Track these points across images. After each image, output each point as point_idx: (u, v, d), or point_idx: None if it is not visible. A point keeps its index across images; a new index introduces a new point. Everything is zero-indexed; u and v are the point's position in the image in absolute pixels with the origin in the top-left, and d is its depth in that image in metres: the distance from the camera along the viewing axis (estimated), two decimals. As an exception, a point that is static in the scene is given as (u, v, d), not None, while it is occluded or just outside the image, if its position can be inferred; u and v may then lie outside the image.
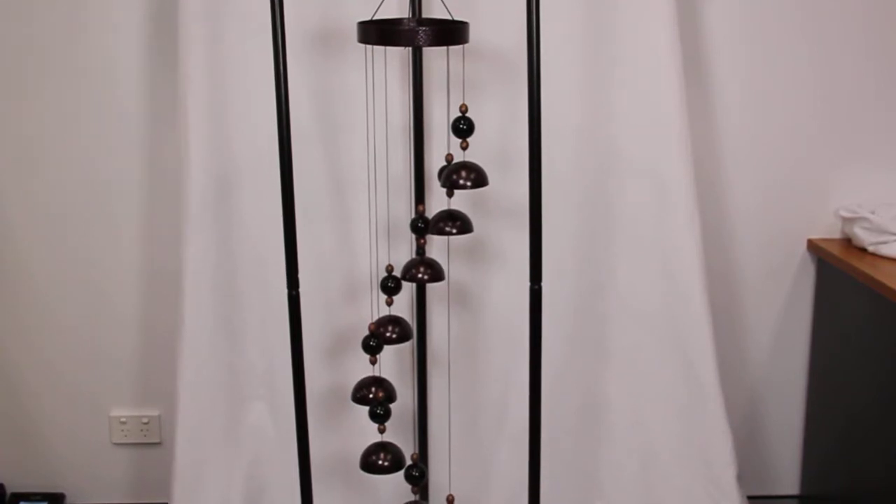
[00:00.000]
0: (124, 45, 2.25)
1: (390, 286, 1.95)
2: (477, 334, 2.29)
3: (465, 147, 1.79)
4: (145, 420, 2.47)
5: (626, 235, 2.23)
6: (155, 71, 2.26)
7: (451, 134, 1.80)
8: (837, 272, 2.26)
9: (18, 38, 2.24)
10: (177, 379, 2.24)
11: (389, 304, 1.95)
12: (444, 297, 2.18)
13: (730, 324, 2.42)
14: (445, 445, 2.24)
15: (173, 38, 2.12)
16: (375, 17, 1.79)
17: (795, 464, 2.54)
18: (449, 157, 1.80)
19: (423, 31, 1.68)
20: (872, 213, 2.24)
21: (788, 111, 2.32)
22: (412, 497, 2.05)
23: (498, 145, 2.15)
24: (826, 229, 2.38)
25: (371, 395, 1.89)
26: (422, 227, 1.91)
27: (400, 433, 2.24)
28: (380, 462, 1.90)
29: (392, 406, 1.93)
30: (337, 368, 2.26)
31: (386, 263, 1.96)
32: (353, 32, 1.75)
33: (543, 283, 1.80)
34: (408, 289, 2.15)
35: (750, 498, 2.35)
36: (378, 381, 1.91)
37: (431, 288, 2.19)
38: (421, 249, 1.91)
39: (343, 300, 2.24)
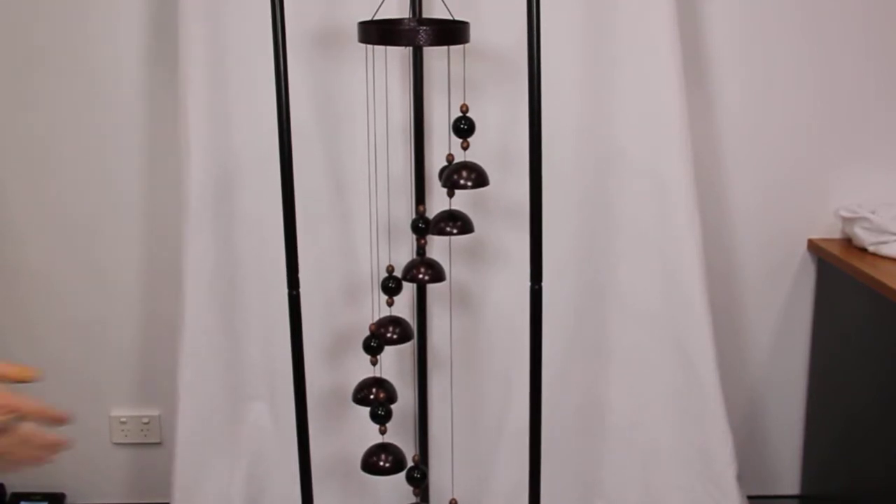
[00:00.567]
0: (125, 44, 2.24)
1: (391, 286, 1.95)
2: (477, 334, 2.29)
3: (465, 147, 1.79)
4: (145, 420, 2.47)
5: (626, 235, 2.23)
6: (155, 71, 2.26)
7: (452, 134, 1.80)
8: (838, 272, 2.26)
9: (19, 38, 2.24)
10: (177, 379, 2.24)
11: (390, 304, 1.95)
12: (444, 297, 2.18)
13: (730, 324, 2.42)
14: (446, 446, 2.24)
15: (173, 38, 2.12)
16: (376, 17, 1.79)
17: (796, 464, 2.54)
18: (450, 158, 1.80)
19: (424, 30, 1.68)
20: (873, 212, 2.24)
21: (788, 111, 2.32)
22: (413, 498, 2.05)
23: (498, 145, 2.15)
24: (826, 229, 2.38)
25: (372, 396, 1.89)
26: (422, 227, 1.91)
27: (401, 434, 2.24)
28: (381, 463, 1.90)
29: (392, 407, 1.93)
30: (337, 369, 2.26)
31: (386, 264, 1.96)
32: (354, 32, 1.74)
33: (544, 283, 1.80)
34: (408, 289, 2.15)
35: (750, 498, 2.35)
36: (379, 382, 1.91)
37: (432, 288, 2.19)
38: (421, 250, 1.91)
39: (343, 300, 2.24)
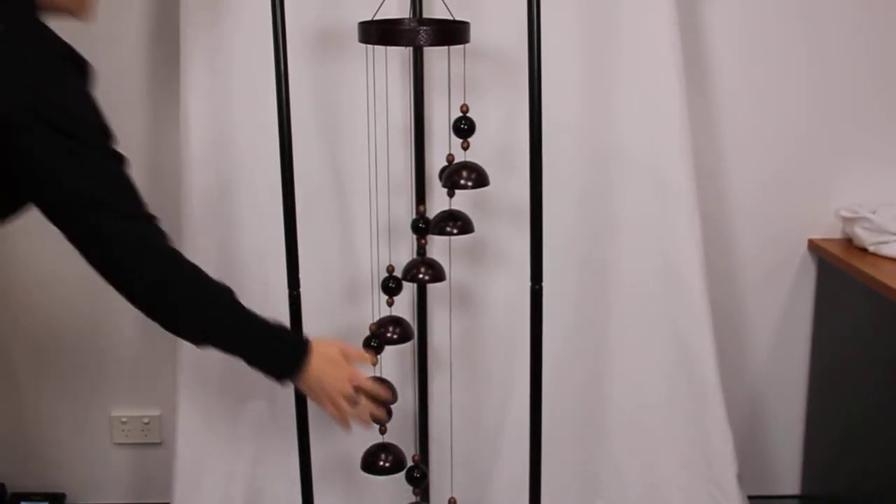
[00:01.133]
0: (125, 44, 2.24)
1: (391, 286, 1.95)
2: (477, 334, 2.29)
3: (466, 147, 1.79)
4: (146, 420, 2.47)
5: (626, 235, 2.23)
6: (155, 71, 2.26)
7: (453, 134, 1.80)
8: (838, 272, 2.26)
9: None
10: (177, 379, 2.24)
11: (390, 304, 1.95)
12: (444, 297, 2.18)
13: (730, 323, 2.42)
14: (446, 445, 2.24)
15: (174, 38, 2.12)
16: (376, 18, 1.79)
17: (796, 463, 2.54)
18: (450, 158, 1.79)
19: (424, 30, 1.68)
20: (873, 213, 2.24)
21: (789, 111, 2.32)
22: (413, 498, 2.05)
23: (499, 145, 2.15)
24: (827, 229, 2.38)
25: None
26: (423, 227, 1.91)
27: (401, 434, 2.24)
28: (381, 463, 1.89)
29: (393, 407, 1.93)
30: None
31: (387, 264, 1.96)
32: (354, 32, 1.74)
33: (544, 283, 1.80)
34: (409, 289, 2.15)
35: (750, 498, 2.35)
36: (379, 382, 1.91)
37: (432, 288, 2.19)
38: (422, 250, 1.91)
39: (344, 300, 2.24)
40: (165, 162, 2.28)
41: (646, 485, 2.31)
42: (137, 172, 2.31)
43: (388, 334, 1.91)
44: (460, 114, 1.78)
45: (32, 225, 2.35)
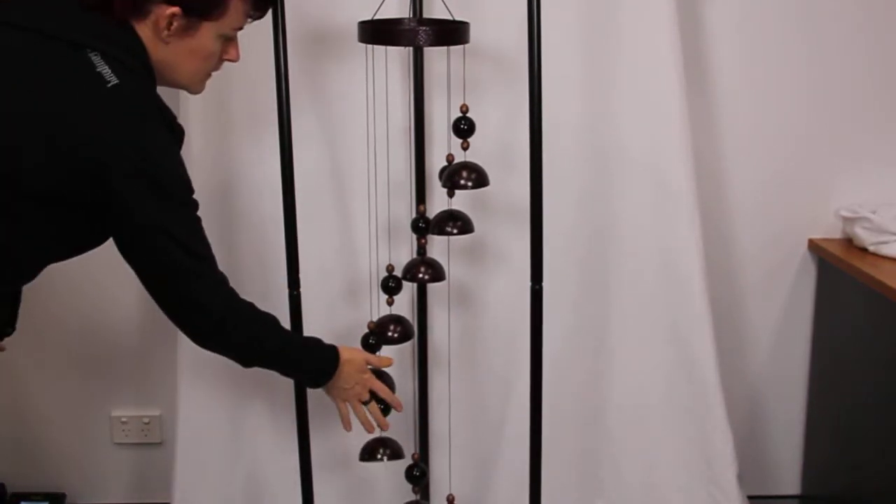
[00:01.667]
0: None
1: (391, 286, 1.95)
2: (478, 334, 2.29)
3: (465, 147, 1.79)
4: (146, 420, 2.47)
5: (626, 235, 2.23)
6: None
7: (452, 134, 1.80)
8: (838, 272, 2.26)
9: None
10: (178, 378, 2.24)
11: (390, 303, 1.95)
12: (444, 296, 2.18)
13: (731, 323, 2.42)
14: (446, 445, 2.24)
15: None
16: (376, 18, 1.79)
17: (796, 463, 2.54)
18: (450, 158, 1.80)
19: (424, 30, 1.68)
20: (873, 212, 2.24)
21: (789, 111, 2.32)
22: (413, 496, 2.05)
23: (499, 145, 2.15)
24: (827, 229, 2.38)
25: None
26: (423, 227, 1.91)
27: (402, 433, 2.24)
28: (379, 455, 1.90)
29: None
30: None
31: (386, 263, 1.96)
32: (354, 32, 1.74)
33: (544, 283, 1.80)
34: (409, 289, 2.15)
35: (750, 498, 2.35)
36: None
37: (432, 288, 2.19)
38: (422, 249, 1.92)
39: (344, 300, 2.24)
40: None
41: (646, 485, 2.31)
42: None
43: (389, 333, 1.91)
44: (460, 114, 1.78)
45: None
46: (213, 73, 1.61)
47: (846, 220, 2.30)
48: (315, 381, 1.75)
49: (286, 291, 1.85)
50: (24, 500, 2.45)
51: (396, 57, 2.09)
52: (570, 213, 2.21)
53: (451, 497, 2.07)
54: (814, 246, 2.38)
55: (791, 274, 2.42)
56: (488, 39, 2.07)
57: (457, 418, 2.26)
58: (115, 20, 1.43)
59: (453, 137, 1.80)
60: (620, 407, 2.30)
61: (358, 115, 2.04)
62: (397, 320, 1.93)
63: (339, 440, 2.27)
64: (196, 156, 2.14)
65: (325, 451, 2.24)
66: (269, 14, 1.72)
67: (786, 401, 2.50)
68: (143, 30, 1.45)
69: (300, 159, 1.86)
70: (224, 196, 2.19)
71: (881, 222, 2.21)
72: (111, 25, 1.42)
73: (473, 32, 1.75)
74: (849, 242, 2.32)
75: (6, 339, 1.71)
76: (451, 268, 1.97)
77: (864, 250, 2.25)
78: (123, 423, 2.47)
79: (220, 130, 2.15)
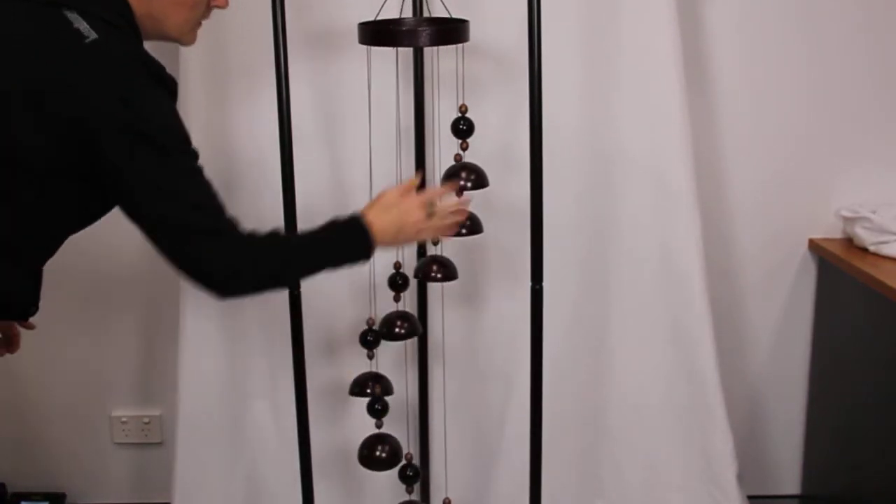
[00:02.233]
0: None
1: (398, 283, 1.95)
2: (478, 334, 2.29)
3: (464, 148, 1.80)
4: (146, 420, 2.48)
5: (627, 235, 2.23)
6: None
7: (452, 134, 1.81)
8: (838, 272, 2.26)
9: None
10: (178, 378, 2.24)
11: (397, 300, 1.95)
12: (446, 296, 2.18)
13: (731, 323, 2.42)
14: (446, 444, 2.24)
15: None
16: (377, 18, 1.79)
17: (796, 463, 2.54)
18: (458, 158, 1.80)
19: (425, 30, 1.68)
20: (873, 212, 2.24)
21: (789, 111, 2.32)
22: (413, 497, 2.05)
23: (499, 145, 2.15)
24: (827, 229, 2.38)
25: (368, 391, 1.91)
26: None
27: (402, 433, 2.24)
28: (377, 454, 1.91)
29: (394, 406, 1.93)
30: (338, 366, 2.25)
31: (385, 263, 1.96)
32: (354, 32, 1.74)
33: (544, 283, 1.80)
34: (410, 288, 2.15)
35: (750, 497, 2.35)
36: (375, 377, 1.92)
37: (432, 287, 2.19)
38: (422, 250, 1.92)
39: (344, 300, 2.24)
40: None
41: (646, 485, 2.31)
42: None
43: (397, 329, 1.91)
44: (459, 114, 1.78)
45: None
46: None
47: (846, 219, 2.30)
48: (360, 257, 1.58)
49: (286, 291, 1.85)
50: (25, 499, 2.45)
51: (396, 57, 2.08)
52: (570, 212, 2.21)
53: (447, 500, 2.08)
54: (814, 246, 2.38)
55: (791, 274, 2.42)
56: (488, 39, 2.07)
57: (457, 418, 2.26)
58: None
59: (454, 138, 1.80)
60: (620, 407, 2.30)
61: (358, 115, 2.03)
62: (405, 316, 1.93)
63: (340, 438, 2.27)
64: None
65: (325, 451, 2.24)
66: (269, 14, 1.72)
67: (786, 401, 2.50)
68: None
69: (300, 159, 1.86)
70: (224, 195, 2.18)
71: (881, 222, 2.21)
72: None
73: (474, 33, 1.75)
74: (849, 242, 2.32)
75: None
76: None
77: (864, 250, 2.25)
78: (123, 422, 2.47)
79: (221, 131, 2.15)
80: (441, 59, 2.00)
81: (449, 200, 1.67)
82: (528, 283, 1.79)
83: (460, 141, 1.80)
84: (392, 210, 1.58)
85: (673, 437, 2.28)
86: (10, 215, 1.39)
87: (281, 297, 1.88)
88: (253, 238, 1.47)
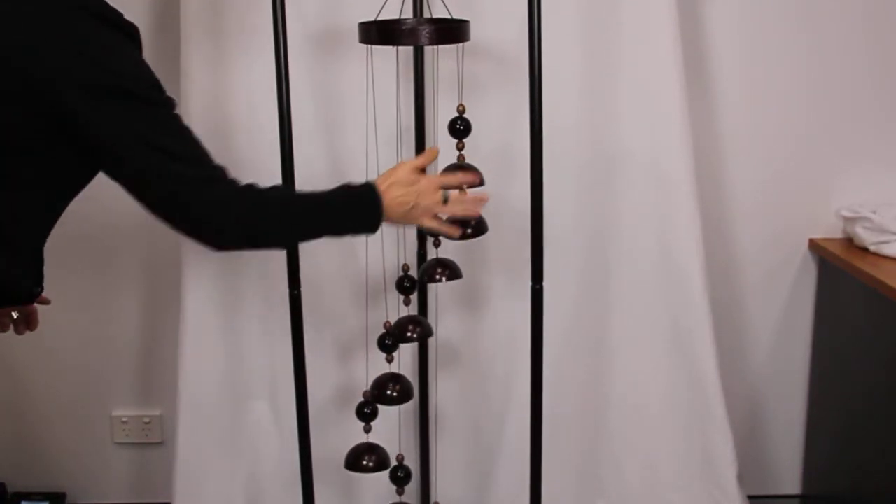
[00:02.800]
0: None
1: (406, 286, 1.95)
2: (478, 333, 2.29)
3: (461, 147, 1.80)
4: (147, 420, 2.48)
5: (627, 235, 2.23)
6: (155, 70, 2.25)
7: (449, 134, 1.81)
8: (839, 272, 2.26)
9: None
10: (178, 378, 2.24)
11: (407, 303, 1.96)
12: (446, 296, 2.18)
13: (731, 323, 2.42)
14: (447, 445, 2.24)
15: (175, 37, 2.12)
16: (378, 18, 1.79)
17: (797, 463, 2.54)
18: (461, 158, 1.80)
19: (425, 30, 1.68)
20: (874, 212, 2.24)
21: (790, 111, 2.32)
22: (414, 497, 2.05)
23: (499, 145, 2.15)
24: (827, 229, 2.38)
25: (389, 392, 1.91)
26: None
27: (402, 433, 2.24)
28: (364, 462, 1.90)
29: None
30: (338, 368, 2.26)
31: (386, 263, 1.96)
32: (354, 32, 1.74)
33: (544, 283, 1.80)
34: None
35: (751, 497, 2.35)
36: (395, 378, 1.91)
37: (433, 288, 2.19)
38: (423, 251, 1.92)
39: (344, 300, 2.24)
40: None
41: (646, 485, 2.31)
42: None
43: (408, 333, 1.91)
44: (456, 114, 1.79)
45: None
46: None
47: (847, 219, 2.30)
48: (368, 226, 1.52)
49: (286, 291, 1.85)
50: (25, 499, 2.45)
51: (396, 56, 2.09)
52: (570, 213, 2.21)
53: None
54: (814, 246, 2.38)
55: (791, 274, 2.42)
56: (488, 39, 2.07)
57: (457, 418, 2.26)
58: None
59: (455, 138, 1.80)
60: (620, 407, 2.30)
61: (358, 115, 2.04)
62: (415, 321, 1.93)
63: (340, 439, 2.27)
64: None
65: (325, 451, 2.24)
66: (270, 14, 1.72)
67: (786, 401, 2.50)
68: None
69: (300, 159, 1.86)
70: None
71: (882, 222, 2.21)
72: None
73: (473, 32, 1.75)
74: (849, 242, 2.32)
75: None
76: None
77: (864, 250, 2.25)
78: (124, 422, 2.47)
79: (221, 130, 2.15)
80: (441, 58, 2.00)
81: (460, 198, 1.64)
82: (529, 283, 1.79)
83: (457, 141, 1.80)
84: (408, 187, 1.53)
85: (673, 437, 2.28)
86: (1, 199, 1.34)
87: (282, 296, 1.88)
88: (252, 187, 1.42)
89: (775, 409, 2.51)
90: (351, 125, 2.14)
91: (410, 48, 2.06)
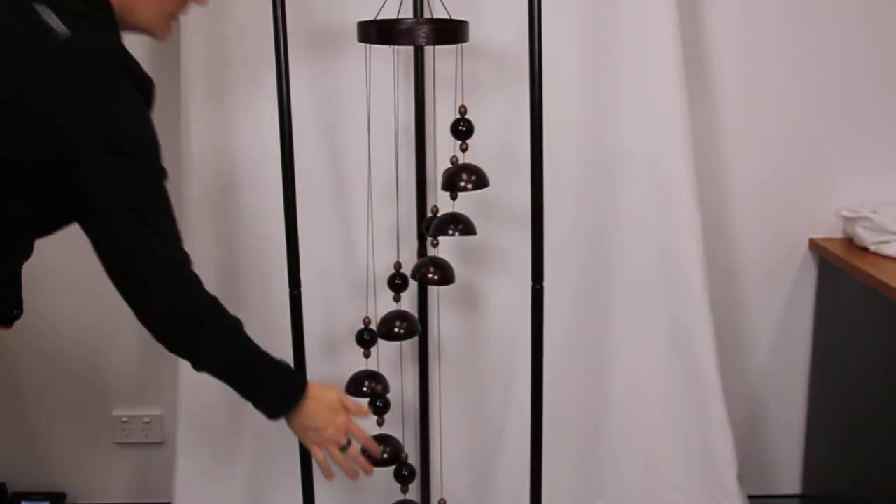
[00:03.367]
0: (126, 43, 2.24)
1: (398, 283, 1.95)
2: (478, 334, 2.29)
3: (464, 149, 1.79)
4: (147, 419, 2.48)
5: (627, 235, 2.23)
6: (155, 70, 2.25)
7: (451, 135, 1.81)
8: (839, 272, 2.26)
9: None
10: (178, 378, 2.24)
11: (397, 300, 1.96)
12: (445, 296, 2.18)
13: (731, 323, 2.42)
14: (447, 445, 2.24)
15: (175, 37, 2.12)
16: (378, 18, 1.79)
17: (797, 463, 2.54)
18: (454, 160, 1.80)
19: (424, 30, 1.68)
20: (874, 212, 2.24)
21: (790, 110, 2.32)
22: (414, 496, 2.05)
23: (500, 145, 2.15)
24: (828, 229, 2.38)
25: (365, 389, 1.91)
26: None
27: (403, 434, 2.24)
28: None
29: (394, 406, 1.93)
30: (338, 367, 2.25)
31: (385, 262, 1.96)
32: (354, 32, 1.74)
33: (544, 283, 1.80)
34: (410, 288, 2.15)
35: (751, 497, 2.35)
36: (373, 375, 1.92)
37: (433, 287, 2.19)
38: (423, 250, 1.92)
39: (344, 300, 2.24)
40: (166, 162, 2.28)
41: (646, 485, 2.31)
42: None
43: (396, 329, 1.91)
44: (458, 115, 1.78)
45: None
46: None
47: (847, 219, 2.30)
48: (274, 406, 1.56)
49: (286, 291, 1.85)
50: (25, 499, 2.45)
51: (395, 56, 2.09)
52: (570, 213, 2.21)
53: (442, 501, 2.08)
54: (814, 246, 2.38)
55: (791, 274, 2.42)
56: (488, 39, 2.07)
57: (457, 418, 2.26)
58: None
59: (454, 139, 1.80)
60: (620, 407, 2.30)
61: (358, 115, 2.04)
62: (403, 316, 1.93)
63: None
64: (196, 157, 2.14)
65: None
66: (270, 14, 1.72)
67: (786, 401, 2.50)
68: None
69: (300, 159, 1.86)
70: (224, 195, 2.19)
71: (882, 222, 2.21)
72: None
73: (473, 32, 1.75)
74: (849, 242, 2.32)
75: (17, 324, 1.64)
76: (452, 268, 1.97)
77: (864, 250, 2.25)
78: (124, 422, 2.47)
79: (221, 131, 2.16)
80: (441, 59, 2.00)
81: (360, 458, 1.67)
82: (528, 283, 1.79)
83: (459, 142, 1.80)
84: (329, 413, 1.57)
85: (673, 437, 2.28)
86: None
87: (281, 296, 1.88)
88: (213, 297, 1.43)
89: (775, 409, 2.51)
90: (351, 126, 2.14)
91: (410, 48, 2.06)
